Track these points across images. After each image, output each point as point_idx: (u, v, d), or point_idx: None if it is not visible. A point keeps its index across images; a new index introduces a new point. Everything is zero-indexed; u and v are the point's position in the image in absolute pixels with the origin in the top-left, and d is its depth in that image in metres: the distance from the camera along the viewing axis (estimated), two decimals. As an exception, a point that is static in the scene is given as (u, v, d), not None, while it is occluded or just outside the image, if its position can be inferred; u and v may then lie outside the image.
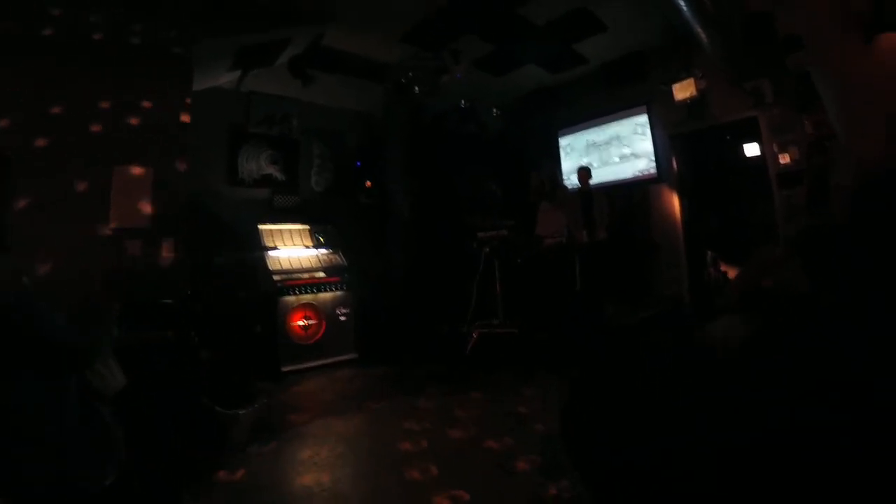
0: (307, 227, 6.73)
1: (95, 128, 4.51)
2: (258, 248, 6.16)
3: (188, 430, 2.88)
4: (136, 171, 4.73)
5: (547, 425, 3.89)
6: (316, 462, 3.48)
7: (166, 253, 4.81)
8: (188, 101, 5.16)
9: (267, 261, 6.09)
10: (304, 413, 4.57)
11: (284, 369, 5.79)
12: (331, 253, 6.60)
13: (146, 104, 4.86)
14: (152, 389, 2.38)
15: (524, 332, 6.04)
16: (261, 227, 6.37)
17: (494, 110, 9.04)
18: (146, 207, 4.76)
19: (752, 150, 7.06)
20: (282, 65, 6.57)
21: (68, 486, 1.60)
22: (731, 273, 6.84)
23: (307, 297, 6.07)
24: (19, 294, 1.66)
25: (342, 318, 6.29)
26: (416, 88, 7.49)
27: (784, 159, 6.25)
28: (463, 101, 8.53)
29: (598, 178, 7.85)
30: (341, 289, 6.34)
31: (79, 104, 4.46)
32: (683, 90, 6.94)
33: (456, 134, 8.98)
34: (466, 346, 6.02)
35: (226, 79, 6.68)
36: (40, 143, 4.22)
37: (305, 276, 6.20)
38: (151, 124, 4.88)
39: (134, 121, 4.77)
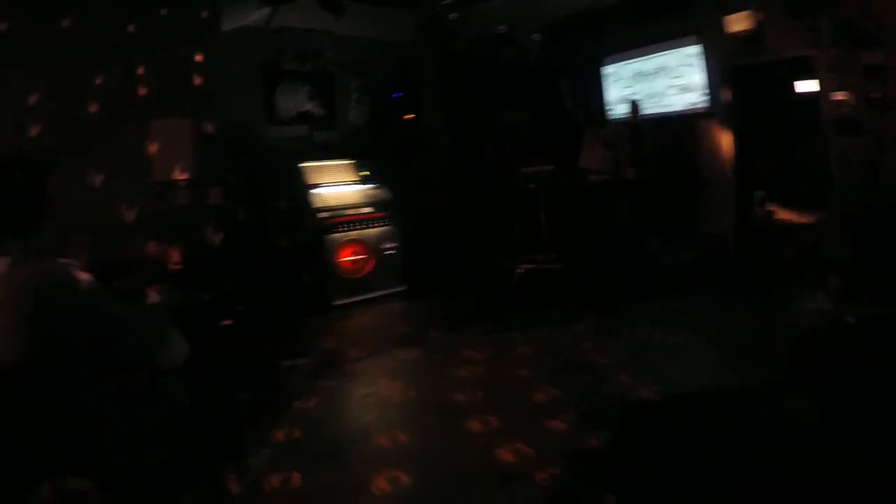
0: (349, 162, 6.72)
1: (131, 84, 4.56)
2: (303, 186, 6.20)
3: (249, 382, 3.02)
4: (175, 123, 4.79)
5: (589, 368, 3.89)
6: (370, 403, 3.60)
7: (212, 200, 4.93)
8: (221, 46, 5.13)
9: (312, 199, 6.14)
10: (357, 349, 4.69)
11: (336, 303, 5.97)
12: (375, 187, 6.60)
13: (176, 55, 4.85)
14: (213, 350, 2.48)
15: (568, 268, 6.02)
16: (303, 164, 6.38)
17: (534, 35, 8.63)
18: (187, 157, 4.85)
19: (808, 86, 6.66)
20: (310, -1, 6.39)
21: (139, 459, 1.69)
22: (779, 213, 6.63)
23: (354, 233, 6.16)
24: (82, 299, 1.62)
25: (389, 253, 6.37)
26: (450, 16, 7.22)
27: (840, 103, 5.87)
28: (501, 27, 8.15)
29: (645, 110, 7.51)
30: (387, 223, 6.39)
31: (111, 61, 4.49)
32: (738, 22, 6.46)
33: (493, 62, 8.65)
34: (511, 280, 6.05)
35: (255, 16, 6.55)
36: (81, 103, 4.30)
37: (351, 211, 6.26)
38: (184, 74, 4.89)
39: (167, 73, 4.78)
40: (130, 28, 4.59)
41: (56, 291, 1.58)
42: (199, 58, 4.95)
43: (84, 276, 1.63)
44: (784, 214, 6.74)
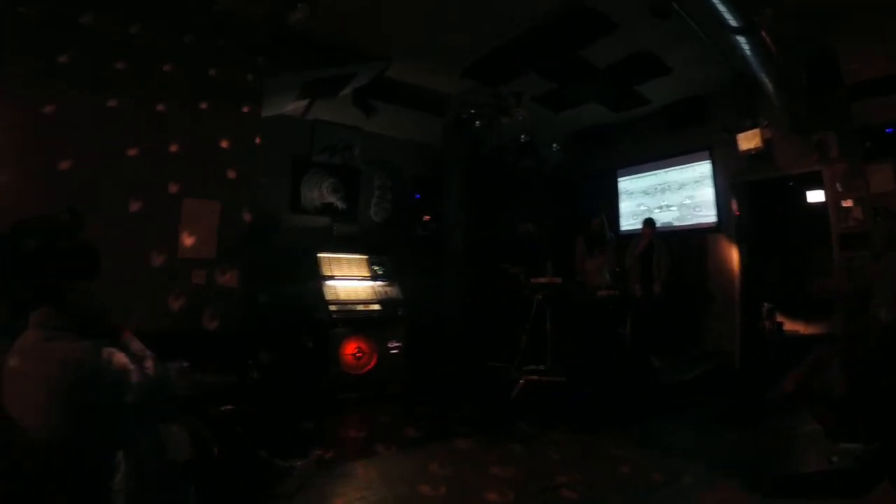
0: (365, 257, 6.82)
1: (166, 160, 4.77)
2: (317, 277, 6.28)
3: (242, 478, 2.98)
4: (205, 203, 4.95)
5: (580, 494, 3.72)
6: None
7: (229, 283, 5.00)
8: (258, 137, 5.38)
9: (324, 290, 6.19)
10: (354, 450, 4.60)
11: (337, 398, 5.87)
12: (386, 285, 6.66)
13: (216, 139, 5.11)
14: (220, 445, 2.48)
15: (571, 383, 5.96)
16: (320, 255, 6.48)
17: (554, 145, 9.01)
18: (212, 238, 4.97)
19: (815, 197, 6.96)
20: (346, 95, 6.74)
21: None
22: (788, 325, 6.72)
23: (360, 329, 6.15)
24: (109, 377, 1.76)
25: (393, 352, 6.33)
26: (476, 123, 7.56)
27: (847, 218, 6.08)
28: (523, 136, 8.51)
29: (656, 224, 7.75)
30: (395, 322, 6.40)
31: (151, 137, 4.71)
32: (748, 140, 6.80)
33: (514, 168, 8.99)
34: (512, 390, 6.00)
35: (292, 107, 6.89)
36: (114, 172, 4.47)
37: (360, 307, 6.28)
38: (220, 157, 5.12)
39: (203, 154, 5.00)
40: (161, 108, 4.84)
41: (88, 372, 1.71)
42: (233, 145, 5.22)
43: (110, 353, 1.79)
44: (793, 326, 6.78)
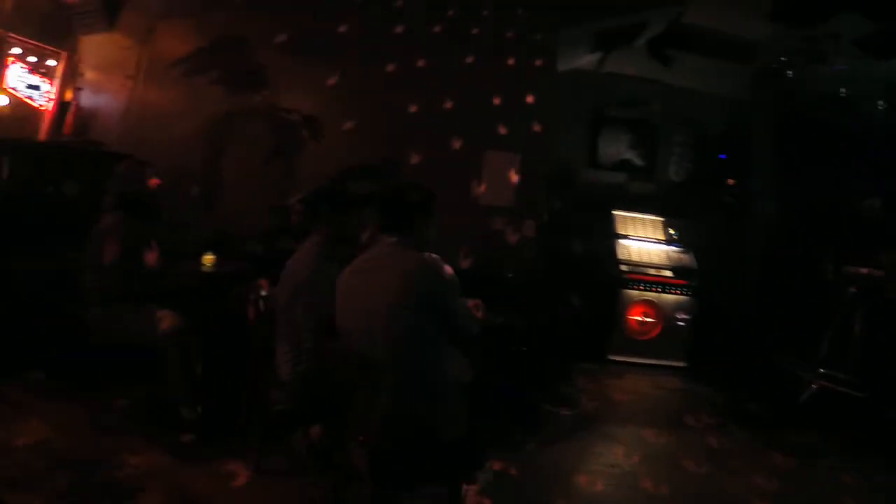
0: (660, 219, 6.50)
1: (471, 113, 5.22)
2: (610, 234, 6.21)
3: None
4: (505, 155, 5.23)
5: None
6: (613, 475, 3.43)
7: (527, 232, 5.21)
8: (555, 92, 5.55)
9: (616, 248, 6.12)
10: (623, 415, 4.55)
11: (611, 357, 5.88)
12: (681, 252, 6.27)
13: (515, 94, 5.43)
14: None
15: (874, 399, 4.96)
16: (615, 212, 6.38)
17: (880, 103, 7.36)
18: (511, 189, 5.21)
19: None
20: (641, 46, 6.33)
21: (438, 433, 2.16)
22: None
23: (650, 294, 5.94)
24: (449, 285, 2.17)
25: (680, 324, 5.98)
26: (789, 73, 6.53)
27: None
28: (843, 90, 7.07)
29: None
30: (686, 293, 6.01)
31: (457, 91, 5.21)
32: None
33: (833, 129, 7.56)
34: (802, 393, 5.23)
35: (586, 60, 6.76)
36: (426, 126, 5.05)
37: (652, 271, 6.04)
38: (519, 112, 5.44)
39: (503, 109, 5.38)
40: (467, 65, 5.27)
41: (434, 273, 2.14)
42: (531, 99, 5.40)
43: (450, 270, 2.18)
44: None
